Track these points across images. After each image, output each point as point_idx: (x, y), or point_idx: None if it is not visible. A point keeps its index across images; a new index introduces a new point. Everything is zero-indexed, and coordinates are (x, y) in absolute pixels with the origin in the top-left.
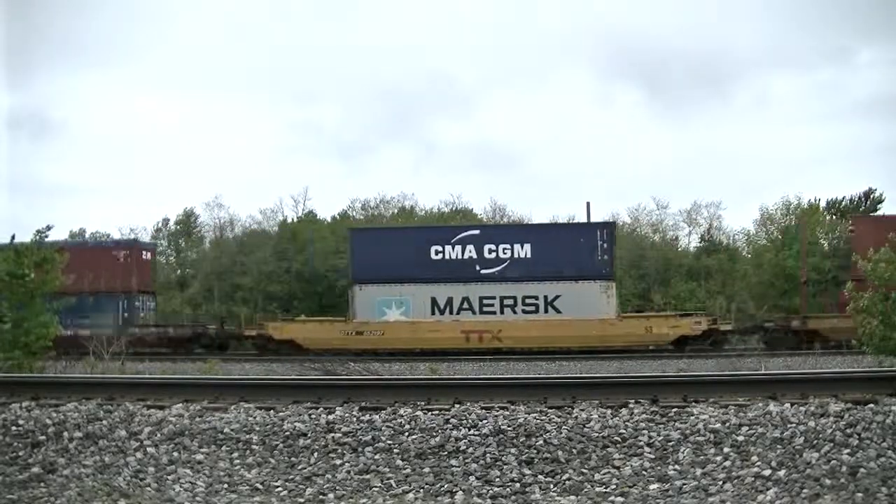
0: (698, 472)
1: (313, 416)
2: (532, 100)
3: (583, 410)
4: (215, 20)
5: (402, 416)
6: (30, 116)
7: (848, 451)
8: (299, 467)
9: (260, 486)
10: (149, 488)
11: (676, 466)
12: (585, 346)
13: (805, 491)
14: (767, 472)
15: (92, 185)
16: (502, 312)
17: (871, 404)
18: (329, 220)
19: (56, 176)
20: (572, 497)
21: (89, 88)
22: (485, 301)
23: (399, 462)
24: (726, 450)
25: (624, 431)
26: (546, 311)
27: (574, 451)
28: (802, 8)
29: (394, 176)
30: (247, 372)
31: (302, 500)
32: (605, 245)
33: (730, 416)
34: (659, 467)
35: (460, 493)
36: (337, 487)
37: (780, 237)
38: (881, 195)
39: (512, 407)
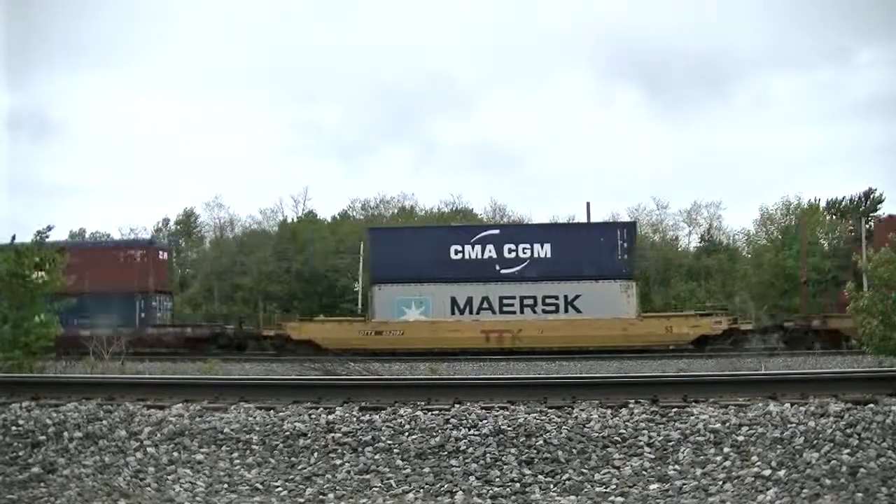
0: (698, 472)
1: (313, 416)
2: (532, 100)
3: (583, 410)
4: (215, 20)
5: (402, 416)
6: (30, 116)
7: (848, 451)
8: (299, 467)
9: (260, 486)
10: (149, 488)
11: (676, 466)
12: (606, 346)
13: (805, 491)
14: (767, 472)
15: (92, 185)
16: (522, 312)
17: (871, 404)
18: (329, 220)
19: (56, 176)
20: (572, 497)
21: (89, 88)
22: (505, 301)
23: (399, 462)
24: (726, 450)
25: (624, 431)
26: (566, 310)
27: (574, 451)
28: (802, 8)
29: (394, 176)
30: (247, 372)
31: (302, 500)
32: (626, 244)
33: (730, 416)
34: (659, 467)
35: (460, 493)
36: (337, 487)
37: (780, 237)
38: (881, 195)
39: (512, 407)
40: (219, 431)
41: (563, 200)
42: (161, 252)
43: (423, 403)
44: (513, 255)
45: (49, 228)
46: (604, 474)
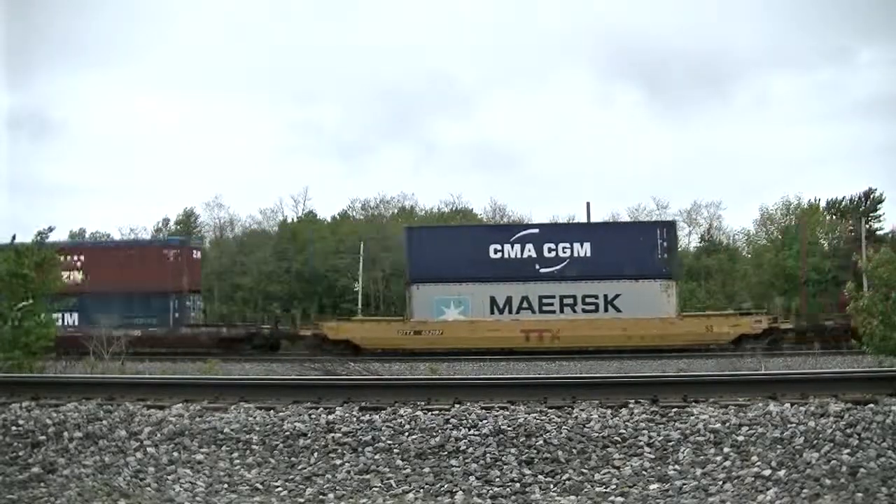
0: (698, 472)
1: (313, 416)
2: (532, 100)
3: (583, 410)
4: (215, 20)
5: (402, 416)
6: (30, 116)
7: (848, 451)
8: (299, 467)
9: (260, 486)
10: (149, 488)
11: (676, 466)
12: (646, 345)
13: (805, 491)
14: (767, 472)
15: (92, 185)
16: (562, 312)
17: (871, 404)
18: (329, 220)
19: (56, 176)
20: (572, 497)
21: (89, 88)
22: (544, 300)
23: (399, 462)
24: (726, 450)
25: (624, 431)
26: (606, 310)
27: (574, 451)
28: (802, 8)
29: (394, 176)
30: (247, 372)
31: (302, 500)
32: (666, 244)
33: (730, 416)
34: (659, 467)
35: (460, 493)
36: (337, 487)
37: (780, 237)
38: (881, 195)
39: (512, 407)
40: (219, 431)
41: (563, 200)
42: (195, 251)
43: (423, 403)
44: (552, 254)
45: (50, 229)
46: (604, 474)
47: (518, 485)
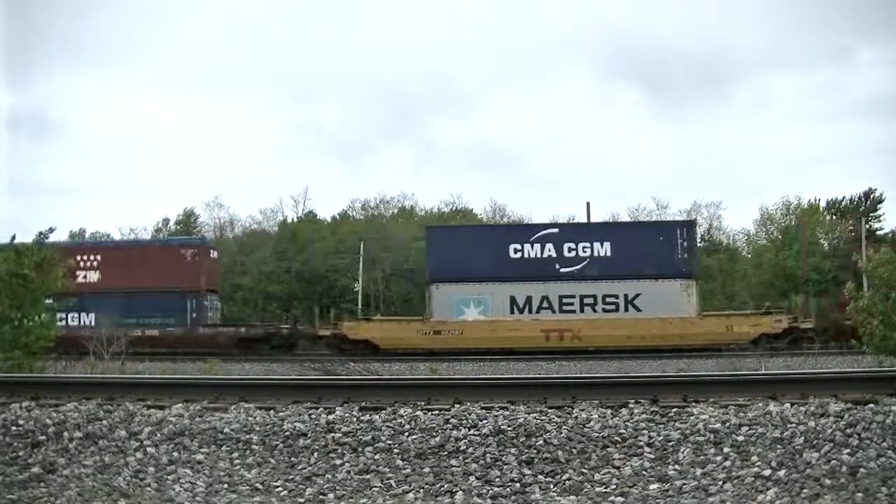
0: (698, 472)
1: (313, 416)
2: (532, 100)
3: (583, 410)
4: (215, 20)
5: (402, 416)
6: (30, 116)
7: (848, 451)
8: (299, 467)
9: (260, 486)
10: (149, 488)
11: (676, 466)
12: (666, 345)
13: (805, 491)
14: (767, 472)
15: (92, 185)
16: (582, 311)
17: (871, 404)
18: (329, 220)
19: (56, 176)
20: (572, 497)
21: (89, 88)
22: (564, 300)
23: (399, 462)
24: (726, 450)
25: (624, 431)
26: (626, 309)
27: (574, 451)
28: (802, 8)
29: (394, 176)
30: (247, 372)
31: (302, 500)
32: (686, 243)
33: (730, 416)
34: (659, 467)
35: (460, 493)
36: (337, 487)
37: (780, 237)
38: (881, 195)
39: (512, 407)
40: (219, 431)
41: (563, 200)
42: (212, 250)
43: (423, 403)
44: (572, 253)
45: (51, 230)
46: (604, 474)
47: (518, 485)
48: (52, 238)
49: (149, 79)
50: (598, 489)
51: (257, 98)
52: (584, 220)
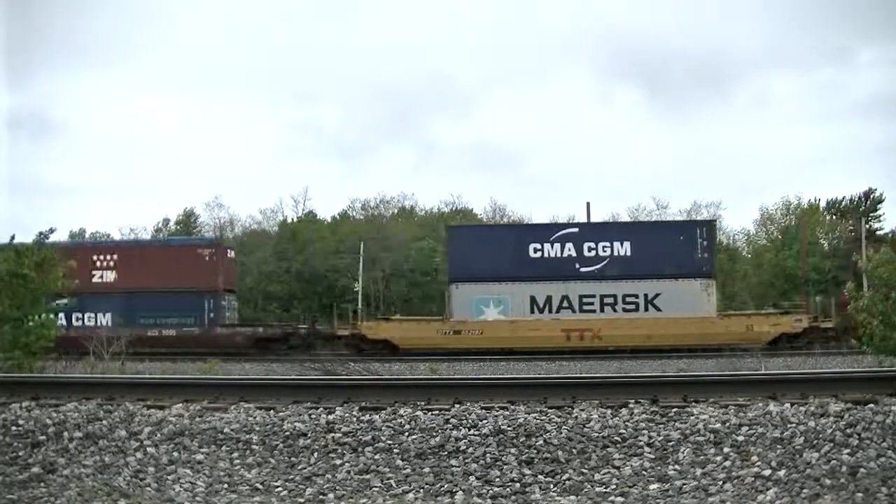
0: (698, 472)
1: (313, 416)
2: (532, 100)
3: (583, 410)
4: (215, 20)
5: (402, 416)
6: (30, 116)
7: (848, 451)
8: (299, 467)
9: (260, 486)
10: (149, 488)
11: (676, 466)
12: (686, 344)
13: (805, 491)
14: (767, 472)
15: (92, 185)
16: (602, 311)
17: (871, 404)
18: (329, 220)
19: (56, 176)
20: (572, 497)
21: (89, 88)
22: (584, 299)
23: (399, 462)
24: (726, 450)
25: (624, 431)
26: (646, 309)
27: (574, 451)
28: (802, 8)
29: (394, 176)
30: (247, 372)
31: (302, 500)
32: (705, 243)
33: (730, 416)
34: (659, 467)
35: (460, 493)
36: (337, 487)
37: (780, 237)
38: (881, 195)
39: (512, 407)
40: (219, 431)
41: (563, 200)
42: (229, 250)
43: (423, 403)
44: (592, 253)
45: (51, 230)
46: (604, 474)
47: (518, 485)
48: (62, 238)
49: (149, 79)
50: (598, 489)
51: (257, 98)
52: (584, 220)
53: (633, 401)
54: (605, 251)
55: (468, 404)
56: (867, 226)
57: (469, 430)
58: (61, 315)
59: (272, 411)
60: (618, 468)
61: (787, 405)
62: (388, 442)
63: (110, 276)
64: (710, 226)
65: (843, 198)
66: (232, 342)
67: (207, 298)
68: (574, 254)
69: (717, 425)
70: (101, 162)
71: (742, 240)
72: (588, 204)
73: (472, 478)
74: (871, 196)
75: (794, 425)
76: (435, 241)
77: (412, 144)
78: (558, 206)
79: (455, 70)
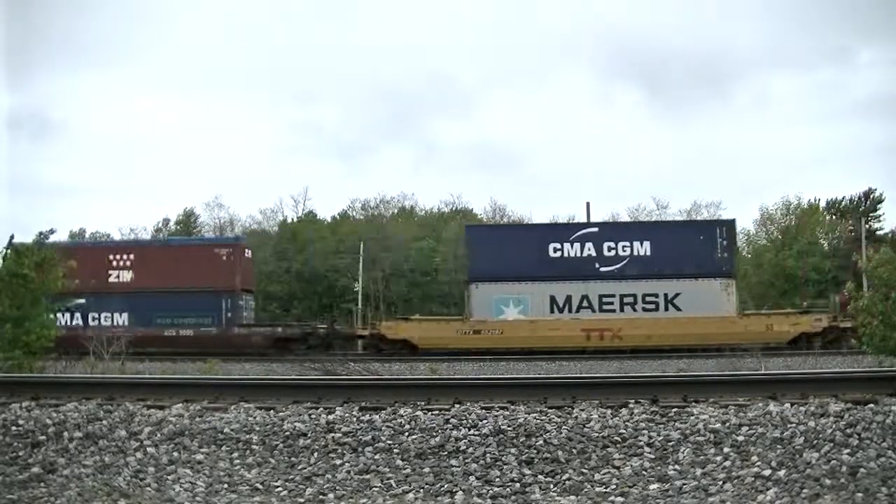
0: (698, 472)
1: (313, 416)
2: (532, 100)
3: (583, 410)
4: (215, 20)
5: (402, 416)
6: (30, 116)
7: (848, 451)
8: (299, 467)
9: (260, 486)
10: (149, 488)
11: (676, 466)
12: (707, 344)
13: (805, 491)
14: (767, 472)
15: (92, 185)
16: (622, 310)
17: (871, 404)
18: (329, 220)
19: (56, 176)
20: (572, 497)
21: (89, 88)
22: (604, 299)
23: (399, 462)
24: (726, 450)
25: (624, 431)
26: (666, 309)
27: (574, 451)
28: (802, 8)
29: (394, 176)
30: (247, 372)
31: (302, 500)
32: (725, 242)
33: (730, 416)
34: (659, 467)
35: (460, 493)
36: (337, 487)
37: (780, 237)
38: (881, 195)
39: (512, 407)
40: (219, 431)
41: (563, 200)
42: (247, 250)
43: (423, 403)
44: (612, 252)
45: (51, 231)
46: (604, 474)
47: (518, 485)
48: (62, 238)
49: (149, 79)
50: (598, 489)
51: (257, 98)
52: (584, 219)
53: (633, 401)
54: (624, 251)
55: (468, 404)
56: (867, 226)
57: (469, 430)
58: (77, 315)
59: (272, 411)
60: (618, 468)
61: (787, 405)
62: (388, 442)
63: (127, 275)
64: (729, 226)
65: (843, 198)
66: (249, 342)
67: (225, 298)
68: (594, 253)
69: (717, 425)
70: (101, 162)
71: (742, 240)
72: (588, 204)
73: (472, 478)
74: (871, 196)
75: (794, 425)
76: (435, 241)
77: (412, 144)
78: (558, 206)
79: (455, 70)
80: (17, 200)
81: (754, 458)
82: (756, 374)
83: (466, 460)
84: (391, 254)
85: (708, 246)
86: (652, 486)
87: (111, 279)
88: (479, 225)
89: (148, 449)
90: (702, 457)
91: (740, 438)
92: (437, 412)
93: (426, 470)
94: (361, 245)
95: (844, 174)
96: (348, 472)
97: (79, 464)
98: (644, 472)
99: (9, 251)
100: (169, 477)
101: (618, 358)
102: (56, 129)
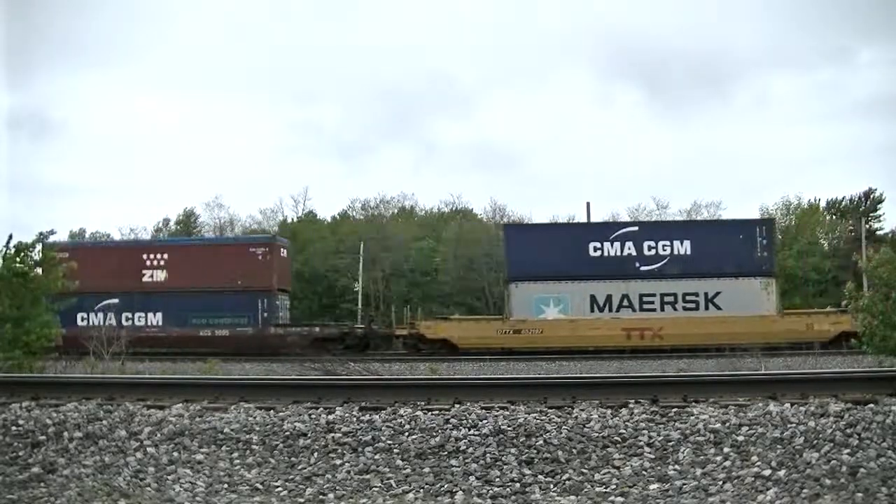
0: (698, 472)
1: (313, 416)
2: (532, 100)
3: (583, 410)
4: (215, 20)
5: (402, 416)
6: (30, 116)
7: (848, 451)
8: (299, 467)
9: (260, 486)
10: (149, 488)
11: (676, 466)
12: (747, 343)
13: (805, 491)
14: (767, 472)
15: (92, 185)
16: (662, 310)
17: (871, 404)
18: (329, 220)
19: (56, 176)
20: (572, 497)
21: (89, 88)
22: (644, 298)
23: (399, 462)
24: (726, 450)
25: (624, 431)
26: (707, 307)
27: (574, 451)
28: (802, 8)
29: (394, 176)
30: (247, 372)
31: (302, 500)
32: (765, 241)
33: (730, 416)
34: (659, 467)
35: (460, 493)
36: (337, 487)
37: (780, 237)
38: (881, 195)
39: (512, 407)
40: (219, 431)
41: (563, 200)
42: (282, 248)
43: (423, 403)
44: (652, 252)
45: (52, 232)
46: (604, 474)
47: (518, 485)
48: (62, 238)
49: (149, 79)
50: (598, 489)
51: (257, 98)
52: (584, 219)
53: (633, 401)
54: (664, 250)
55: (468, 404)
56: (867, 226)
57: (469, 430)
58: (110, 315)
59: (272, 411)
60: (618, 468)
61: (787, 405)
62: (388, 442)
63: (161, 275)
64: (769, 225)
65: (843, 198)
66: (286, 342)
67: (261, 298)
68: (634, 252)
69: (717, 425)
70: (101, 162)
71: None
72: (588, 204)
73: (472, 478)
74: (871, 196)
75: (794, 425)
76: (435, 241)
77: (412, 144)
78: (558, 206)
79: (455, 70)
80: (17, 200)
81: (754, 458)
82: (756, 374)
83: (466, 460)
84: (391, 254)
85: (748, 245)
86: (652, 486)
87: (145, 279)
88: (518, 224)
89: (148, 449)
90: (702, 457)
91: (740, 438)
92: (437, 412)
93: (426, 470)
94: (361, 245)
95: (844, 174)
96: (348, 472)
97: (79, 464)
98: (644, 472)
99: (8, 250)
100: (169, 477)
101: (618, 358)
102: (56, 129)
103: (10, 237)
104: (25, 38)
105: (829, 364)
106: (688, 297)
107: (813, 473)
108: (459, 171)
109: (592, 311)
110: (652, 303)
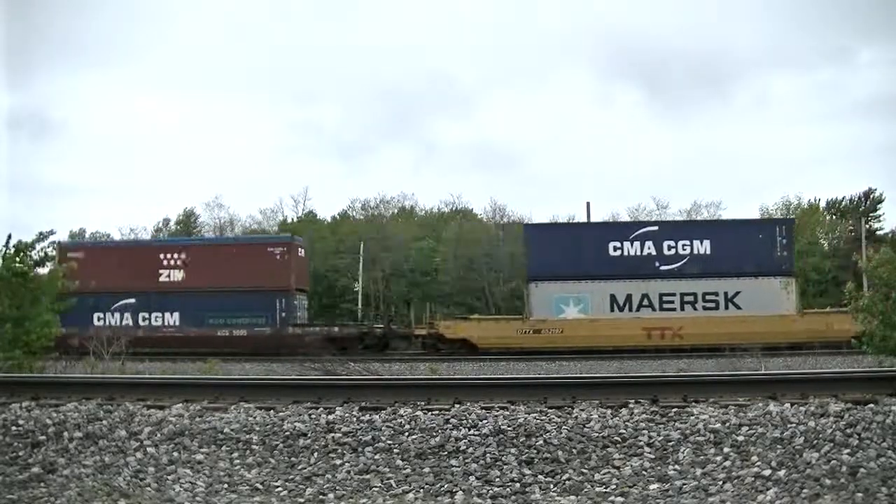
0: (698, 472)
1: (313, 416)
2: (532, 100)
3: (583, 410)
4: (215, 20)
5: (402, 416)
6: (30, 116)
7: (848, 451)
8: (299, 467)
9: (260, 486)
10: (149, 488)
11: (676, 466)
12: (766, 342)
13: (805, 491)
14: (767, 472)
15: (92, 185)
16: (682, 309)
17: (871, 404)
18: (329, 220)
19: (56, 176)
20: (572, 497)
21: (89, 88)
22: (665, 298)
23: (399, 462)
24: (726, 450)
25: (624, 431)
26: (727, 307)
27: (574, 451)
28: (802, 8)
29: (394, 176)
30: (247, 372)
31: (302, 500)
32: (785, 241)
33: (730, 416)
34: (659, 467)
35: (460, 493)
36: (337, 487)
37: None
38: (881, 195)
39: (512, 407)
40: (219, 431)
41: (563, 200)
42: (300, 248)
43: (423, 403)
44: (672, 251)
45: (51, 232)
46: (604, 474)
47: (518, 485)
48: (63, 238)
49: (149, 79)
50: (598, 489)
51: (257, 98)
52: (584, 219)
53: (633, 401)
54: (684, 249)
55: (468, 404)
56: (867, 226)
57: (469, 430)
58: (127, 315)
59: (272, 411)
60: (618, 468)
61: (787, 405)
62: (388, 442)
63: (178, 275)
64: (789, 224)
65: (843, 198)
66: (304, 342)
67: (279, 298)
68: (654, 252)
69: (717, 425)
70: (101, 162)
71: None
72: (588, 204)
73: (472, 478)
74: (871, 196)
75: (794, 425)
76: (435, 241)
77: (412, 144)
78: (558, 206)
79: (455, 70)
80: (17, 200)
81: (754, 458)
82: (756, 374)
83: (466, 460)
84: (391, 254)
85: (768, 244)
86: (652, 486)
87: (162, 279)
88: (538, 224)
89: (148, 449)
90: (702, 457)
91: (740, 438)
92: (437, 412)
93: (426, 470)
94: (361, 245)
95: (844, 174)
96: (348, 472)
97: (79, 464)
98: (644, 472)
99: (8, 250)
100: (169, 477)
101: (618, 358)
102: (56, 129)
103: (10, 237)
104: (25, 38)
105: (829, 364)
106: (708, 297)
107: (813, 473)
108: (459, 171)
109: (612, 310)
110: (672, 302)
